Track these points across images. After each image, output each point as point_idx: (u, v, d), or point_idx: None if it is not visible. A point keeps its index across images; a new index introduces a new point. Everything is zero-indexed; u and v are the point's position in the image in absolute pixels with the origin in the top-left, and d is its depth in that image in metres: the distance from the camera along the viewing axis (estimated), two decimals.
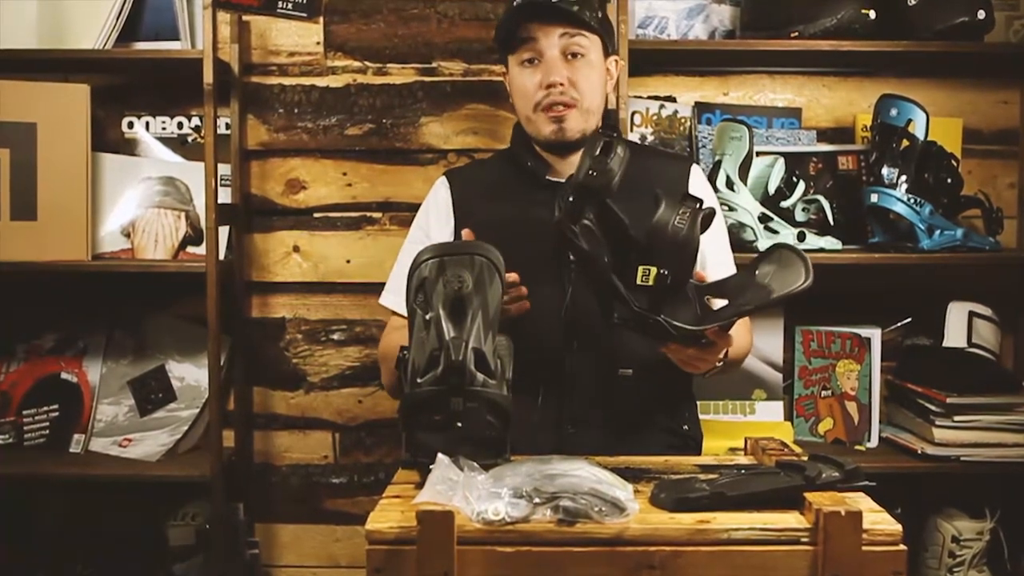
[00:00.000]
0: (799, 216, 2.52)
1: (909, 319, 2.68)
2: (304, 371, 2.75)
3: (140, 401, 2.66)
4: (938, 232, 2.45)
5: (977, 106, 2.72)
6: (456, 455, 1.40)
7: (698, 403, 2.16)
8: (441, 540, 1.28)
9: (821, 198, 2.53)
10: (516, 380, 1.56)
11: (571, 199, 1.64)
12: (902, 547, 1.32)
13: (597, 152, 1.63)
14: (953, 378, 2.44)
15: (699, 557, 1.31)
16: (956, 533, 2.48)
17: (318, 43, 2.71)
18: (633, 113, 2.65)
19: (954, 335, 2.56)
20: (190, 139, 2.70)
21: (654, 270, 1.59)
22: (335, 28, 2.70)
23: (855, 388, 2.55)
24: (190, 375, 2.68)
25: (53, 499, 2.66)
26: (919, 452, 2.43)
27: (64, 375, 2.66)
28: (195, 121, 2.70)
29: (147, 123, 2.71)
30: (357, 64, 2.71)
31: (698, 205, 1.62)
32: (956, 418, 2.41)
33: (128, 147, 2.70)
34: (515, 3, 1.99)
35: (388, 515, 1.36)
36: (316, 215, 2.73)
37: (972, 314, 2.57)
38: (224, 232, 2.61)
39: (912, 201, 2.43)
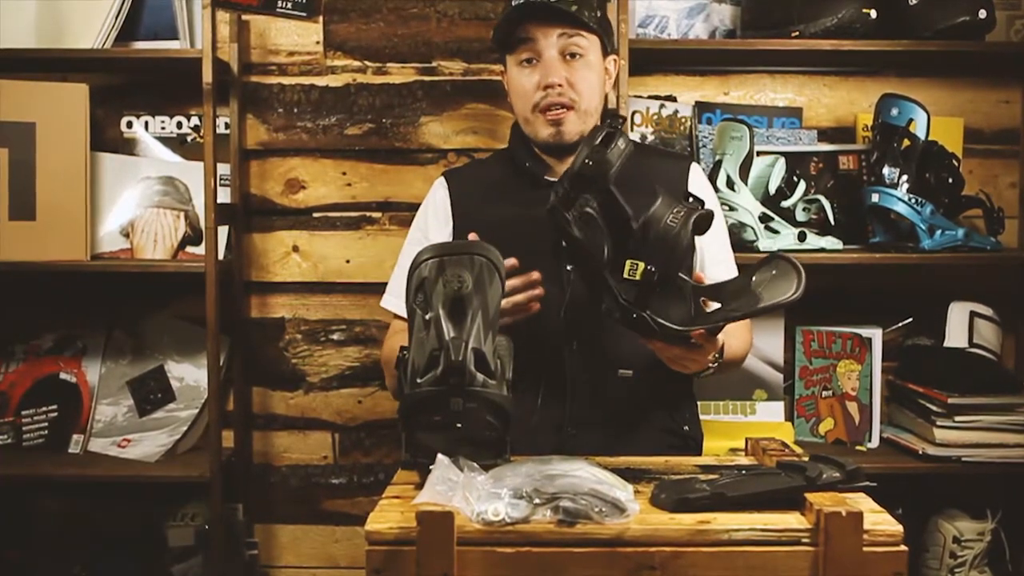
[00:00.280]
0: (800, 216, 2.52)
1: (910, 319, 2.67)
2: (303, 371, 2.75)
3: (139, 401, 2.66)
4: (939, 232, 2.45)
5: (978, 106, 2.71)
6: (456, 455, 1.39)
7: (698, 403, 2.16)
8: (441, 541, 1.27)
9: (822, 198, 2.52)
10: (516, 380, 1.56)
11: (566, 186, 1.64)
12: (903, 548, 1.31)
13: (597, 142, 1.63)
14: (954, 378, 2.44)
15: (700, 558, 1.31)
16: (957, 534, 2.47)
17: (318, 42, 2.70)
18: (633, 112, 2.64)
19: (955, 335, 2.56)
20: (189, 139, 2.69)
21: (642, 265, 1.59)
22: (335, 27, 2.70)
23: (856, 388, 2.54)
24: (189, 375, 2.68)
25: (52, 500, 2.65)
26: (920, 452, 2.43)
27: (63, 375, 2.66)
28: (194, 121, 2.69)
29: (146, 123, 2.70)
30: (357, 63, 2.70)
31: (697, 206, 1.62)
32: (957, 418, 2.41)
33: (127, 147, 2.70)
34: (513, 3, 1.99)
35: (388, 516, 1.36)
36: (315, 215, 2.73)
37: (973, 314, 2.57)
38: (223, 232, 2.60)
39: (913, 201, 2.43)
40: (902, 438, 2.52)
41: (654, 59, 2.64)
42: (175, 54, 2.56)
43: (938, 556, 2.49)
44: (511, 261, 1.79)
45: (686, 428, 2.05)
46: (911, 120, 2.43)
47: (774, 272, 1.63)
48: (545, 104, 1.98)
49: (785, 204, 2.50)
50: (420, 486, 1.39)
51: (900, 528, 1.32)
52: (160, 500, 2.63)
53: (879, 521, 1.33)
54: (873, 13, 2.47)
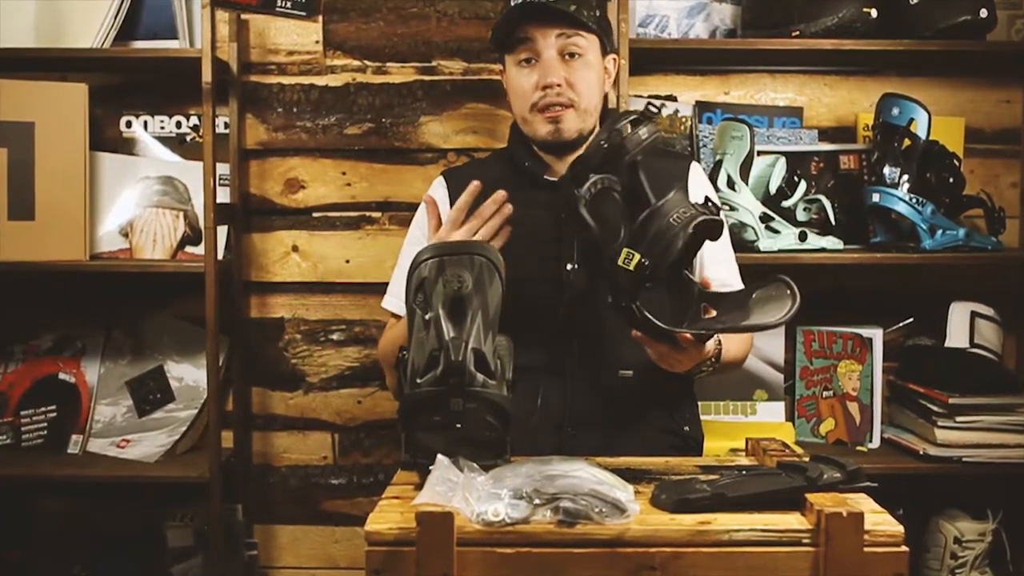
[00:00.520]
0: (800, 216, 2.52)
1: (911, 319, 2.67)
2: (303, 371, 2.74)
3: (138, 402, 2.66)
4: (940, 232, 2.45)
5: (979, 105, 2.71)
6: (456, 456, 1.39)
7: (699, 403, 2.15)
8: (441, 541, 1.27)
9: (822, 198, 2.52)
10: (516, 381, 1.56)
11: (581, 163, 1.66)
12: (904, 548, 1.31)
13: (618, 125, 1.62)
14: (955, 379, 2.44)
15: (700, 558, 1.30)
16: (958, 534, 2.47)
17: (317, 42, 2.70)
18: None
19: (956, 335, 2.55)
20: (188, 138, 2.69)
21: (637, 256, 1.59)
22: (334, 27, 2.69)
23: (857, 388, 2.54)
24: (188, 375, 2.68)
25: (51, 500, 2.64)
26: (921, 453, 2.42)
27: (62, 375, 2.65)
28: (193, 120, 2.69)
29: (145, 122, 2.70)
30: (356, 63, 2.70)
31: (706, 211, 1.61)
32: (958, 419, 2.41)
33: (126, 146, 2.69)
34: (512, 3, 1.98)
35: (387, 516, 1.35)
36: (315, 215, 2.72)
37: (974, 314, 2.56)
38: (223, 232, 2.60)
39: (914, 201, 2.42)
40: (903, 438, 2.51)
41: (654, 59, 2.64)
42: (174, 53, 2.56)
43: (939, 557, 2.48)
44: (474, 183, 1.81)
45: (686, 428, 2.04)
46: (912, 120, 2.43)
47: (773, 293, 1.64)
48: (544, 104, 1.97)
49: (786, 204, 2.49)
50: (420, 486, 1.39)
51: (901, 529, 1.31)
52: (160, 500, 2.63)
53: (880, 522, 1.32)
54: (874, 12, 2.46)
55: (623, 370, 1.95)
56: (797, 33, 2.47)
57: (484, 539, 1.30)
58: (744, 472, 1.50)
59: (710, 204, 1.65)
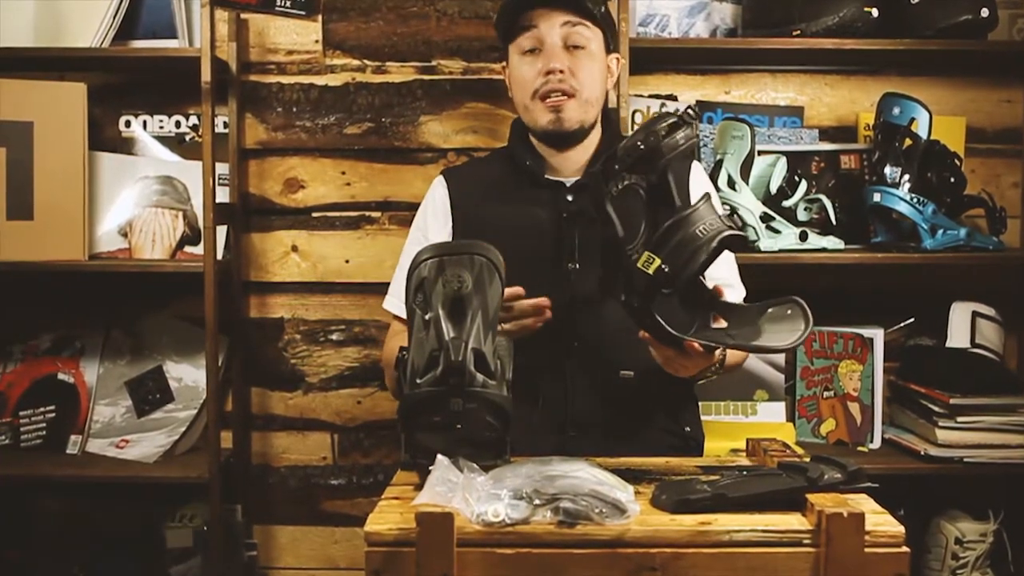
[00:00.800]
0: (801, 215, 2.51)
1: (912, 319, 2.67)
2: (303, 372, 2.74)
3: (137, 402, 2.65)
4: (941, 232, 2.44)
5: (980, 105, 2.70)
6: (456, 456, 1.39)
7: (699, 404, 2.15)
8: (440, 542, 1.27)
9: (823, 197, 2.52)
10: (517, 381, 1.55)
11: (614, 160, 1.65)
12: (905, 549, 1.30)
13: (658, 127, 1.61)
14: (956, 379, 2.43)
15: (700, 559, 1.30)
16: (959, 535, 2.46)
17: (317, 41, 2.69)
18: (634, 112, 2.64)
19: (957, 336, 2.55)
20: (188, 138, 2.68)
21: (657, 261, 1.58)
22: (334, 26, 2.69)
23: (857, 389, 2.54)
24: (188, 376, 2.67)
25: (50, 501, 2.64)
26: (922, 453, 2.42)
27: (61, 376, 2.65)
28: (193, 120, 2.68)
29: (144, 122, 2.69)
30: (356, 62, 2.69)
31: (733, 226, 1.60)
32: (959, 419, 2.40)
33: (125, 146, 2.69)
34: None
35: (387, 517, 1.35)
36: (315, 214, 2.72)
37: (975, 314, 2.56)
38: (222, 232, 2.60)
39: (915, 200, 2.42)
40: (904, 439, 2.51)
41: (655, 58, 2.63)
42: (173, 53, 2.56)
43: (940, 557, 2.48)
44: (518, 291, 1.79)
45: (687, 429, 2.04)
46: (913, 119, 2.43)
47: (788, 313, 1.62)
48: (545, 90, 1.97)
49: (786, 204, 2.49)
50: (420, 487, 1.38)
51: (902, 529, 1.31)
52: (158, 501, 2.62)
53: (881, 522, 1.32)
54: (875, 12, 2.46)
55: (624, 371, 1.95)
56: (798, 32, 2.47)
57: (484, 540, 1.29)
58: (745, 472, 1.50)
59: (735, 217, 1.65)
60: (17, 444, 2.60)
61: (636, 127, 2.61)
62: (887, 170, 2.44)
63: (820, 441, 2.59)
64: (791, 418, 2.64)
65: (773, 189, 2.49)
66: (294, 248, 2.72)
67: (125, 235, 2.62)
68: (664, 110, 2.62)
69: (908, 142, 2.43)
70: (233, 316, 2.66)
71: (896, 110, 2.44)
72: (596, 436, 1.91)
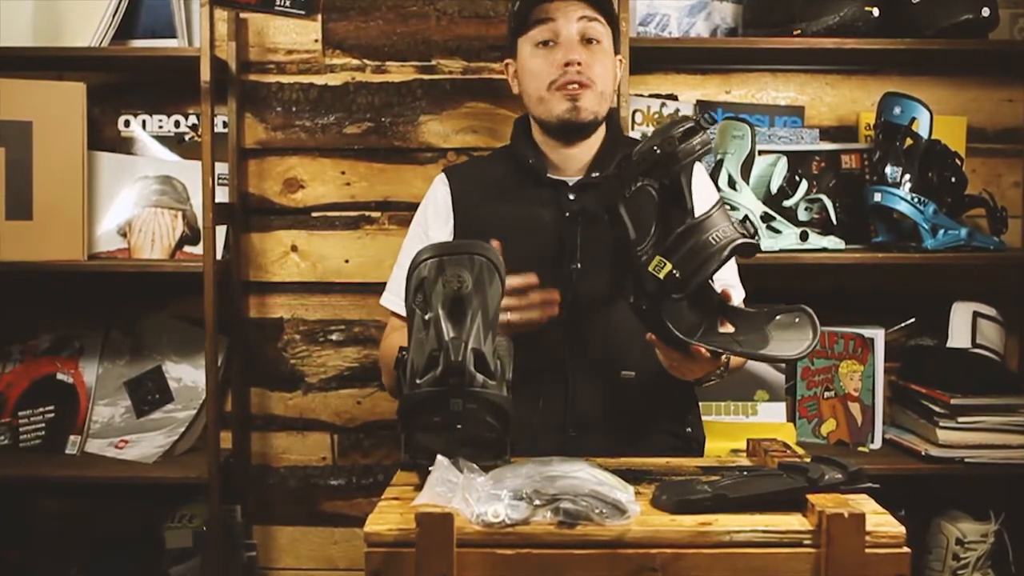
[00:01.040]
0: (802, 215, 2.51)
1: (913, 319, 2.67)
2: (302, 372, 2.74)
3: (137, 402, 2.65)
4: (942, 231, 2.44)
5: (981, 104, 2.70)
6: (455, 457, 1.38)
7: (700, 404, 2.14)
8: (440, 542, 1.26)
9: (824, 197, 2.51)
10: (517, 381, 1.55)
11: (628, 165, 1.65)
12: (906, 549, 1.30)
13: (674, 132, 1.61)
14: (957, 379, 2.43)
15: (701, 559, 1.30)
16: (960, 535, 2.46)
17: (316, 41, 2.69)
18: (634, 112, 2.63)
19: (958, 336, 2.55)
20: (187, 137, 2.68)
21: (668, 266, 1.58)
22: (333, 26, 2.69)
23: (858, 389, 2.53)
24: (187, 376, 2.67)
25: (49, 501, 2.64)
26: (923, 454, 2.41)
27: (60, 376, 2.65)
28: (192, 119, 2.68)
29: (143, 121, 2.69)
30: (356, 62, 2.69)
31: (746, 233, 1.60)
32: (960, 419, 2.40)
33: (124, 146, 2.69)
34: None
35: (387, 517, 1.35)
36: (314, 214, 2.71)
37: (976, 314, 2.55)
38: (221, 231, 2.59)
39: (916, 200, 2.42)
40: (905, 439, 2.51)
41: (655, 58, 2.63)
42: (173, 52, 2.55)
43: (941, 558, 2.48)
44: (532, 279, 1.79)
45: (688, 430, 2.04)
46: (914, 119, 2.42)
47: (796, 321, 1.63)
48: (563, 81, 1.96)
49: (787, 203, 2.49)
50: (419, 487, 1.38)
51: (903, 530, 1.30)
52: (158, 501, 2.62)
53: (881, 523, 1.32)
54: (875, 11, 2.46)
55: (625, 371, 1.94)
56: (799, 32, 2.47)
57: (484, 540, 1.29)
58: (745, 473, 1.49)
59: (748, 224, 1.64)
60: (16, 444, 2.60)
61: (636, 127, 2.61)
62: (888, 170, 2.44)
63: (821, 441, 2.59)
64: (792, 418, 2.64)
65: (774, 189, 2.48)
66: (294, 248, 2.72)
67: (124, 235, 2.62)
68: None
69: (909, 142, 2.43)
70: (232, 316, 2.66)
71: (897, 110, 2.44)
72: (597, 436, 1.91)
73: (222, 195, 2.63)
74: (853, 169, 2.63)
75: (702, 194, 1.71)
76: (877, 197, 2.44)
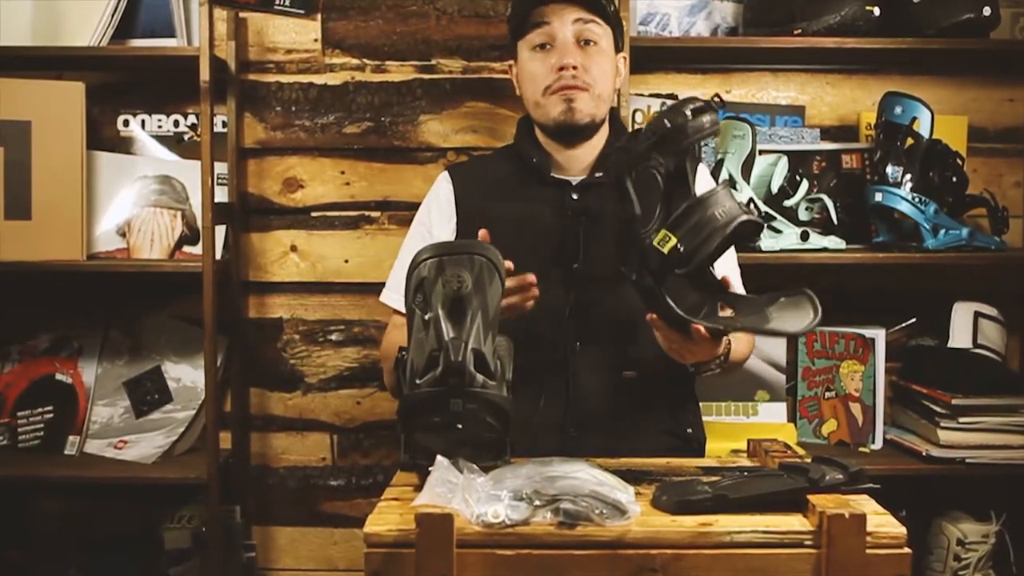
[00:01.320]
0: (803, 215, 2.50)
1: (914, 319, 2.66)
2: (302, 372, 2.73)
3: (136, 402, 2.64)
4: (943, 231, 2.44)
5: (982, 104, 2.70)
6: (455, 457, 1.38)
7: (700, 405, 2.14)
8: (440, 543, 1.26)
9: (825, 197, 2.51)
10: (518, 381, 1.54)
11: (639, 139, 1.65)
12: (907, 550, 1.30)
13: (684, 109, 1.62)
14: (958, 379, 2.43)
15: (701, 560, 1.29)
16: (961, 536, 2.46)
17: (316, 40, 2.69)
18: (635, 111, 2.63)
19: (959, 336, 2.54)
20: (186, 137, 2.68)
21: (673, 240, 1.58)
22: (333, 25, 2.68)
23: (859, 389, 2.53)
24: (186, 376, 2.66)
25: (48, 501, 2.64)
26: (924, 454, 2.41)
27: (59, 376, 2.64)
28: (191, 119, 2.68)
29: (143, 121, 2.69)
30: (355, 61, 2.69)
31: (750, 211, 1.61)
32: (961, 420, 2.40)
33: (123, 145, 2.68)
34: None
35: (386, 517, 1.34)
36: (314, 214, 2.71)
37: (977, 314, 2.55)
38: (221, 231, 2.59)
39: (917, 200, 2.41)
40: (905, 439, 2.50)
41: (655, 57, 2.62)
42: (172, 52, 2.55)
43: (942, 559, 2.47)
44: (506, 264, 1.78)
45: (689, 431, 2.03)
46: (915, 118, 2.42)
47: (795, 302, 1.64)
48: (558, 85, 1.96)
49: (788, 203, 2.48)
50: (419, 488, 1.38)
51: (904, 530, 1.30)
52: (157, 502, 2.62)
53: (882, 523, 1.32)
54: (876, 10, 2.45)
55: (626, 371, 1.94)
56: (799, 31, 2.46)
57: (484, 541, 1.29)
58: (746, 473, 1.50)
59: (752, 206, 1.65)
60: (15, 445, 2.59)
61: (636, 127, 2.61)
62: (889, 170, 2.44)
63: (821, 442, 2.59)
64: (792, 419, 2.63)
65: (774, 189, 2.48)
66: (293, 248, 2.71)
67: (123, 235, 2.61)
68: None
69: (910, 141, 2.43)
70: (232, 316, 2.65)
71: (898, 109, 2.43)
72: (597, 436, 1.90)
73: (221, 195, 2.62)
74: (854, 169, 2.62)
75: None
76: (878, 197, 2.44)
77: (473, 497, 1.31)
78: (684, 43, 2.58)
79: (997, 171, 2.71)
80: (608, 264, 1.81)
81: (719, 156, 2.46)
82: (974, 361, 2.50)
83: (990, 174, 2.70)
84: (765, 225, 2.40)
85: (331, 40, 2.69)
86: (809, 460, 1.52)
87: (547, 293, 1.84)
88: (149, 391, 2.65)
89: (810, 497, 1.34)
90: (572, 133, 2.00)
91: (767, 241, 2.40)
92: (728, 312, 1.69)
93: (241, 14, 2.65)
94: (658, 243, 1.59)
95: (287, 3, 2.66)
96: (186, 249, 2.63)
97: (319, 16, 2.68)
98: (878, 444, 2.52)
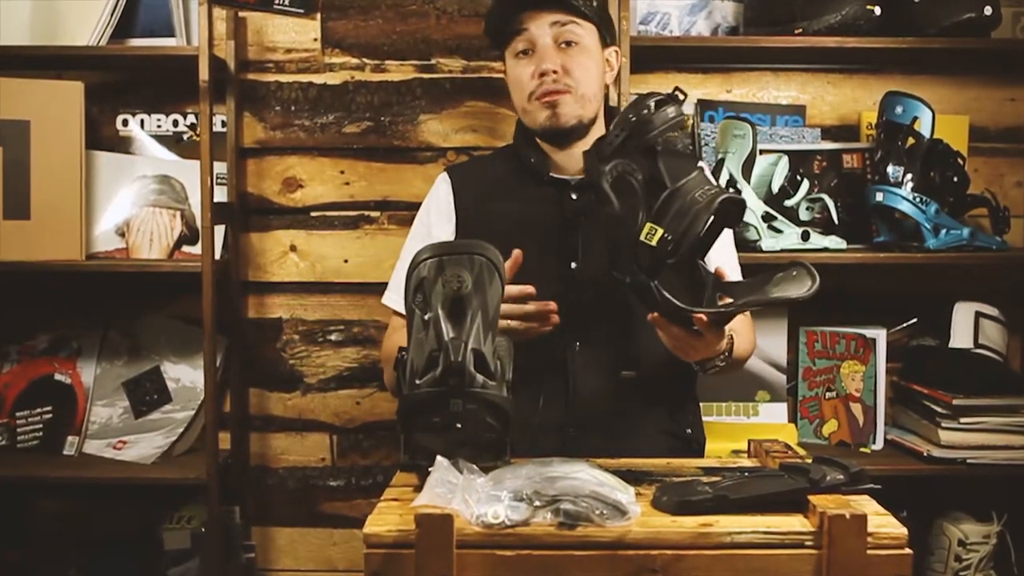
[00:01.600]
0: (803, 215, 2.50)
1: (915, 319, 2.66)
2: (301, 372, 2.73)
3: (135, 403, 2.64)
4: (944, 231, 2.44)
5: (983, 103, 2.70)
6: (455, 457, 1.38)
7: (701, 405, 2.14)
8: (440, 543, 1.26)
9: (825, 197, 2.51)
10: (518, 381, 1.54)
11: (603, 140, 1.67)
12: (907, 551, 1.29)
13: (647, 101, 1.64)
14: (959, 379, 2.43)
15: (702, 561, 1.29)
16: (962, 536, 2.45)
17: (315, 40, 2.68)
18: None
19: (960, 336, 2.54)
20: (185, 137, 2.67)
21: (660, 231, 1.59)
22: (333, 24, 2.68)
23: (860, 389, 2.53)
24: (186, 376, 2.66)
25: (47, 502, 2.63)
26: (925, 454, 2.41)
27: (58, 376, 2.64)
28: (190, 119, 2.67)
29: (142, 121, 2.68)
30: (355, 61, 2.68)
31: (728, 190, 1.62)
32: (962, 420, 2.40)
33: (123, 145, 2.68)
34: None
35: (386, 518, 1.34)
36: (313, 214, 2.71)
37: (979, 314, 2.54)
38: (220, 231, 2.58)
39: (918, 200, 2.41)
40: (906, 440, 2.50)
41: (656, 56, 2.62)
42: (171, 51, 2.55)
43: (943, 559, 2.47)
44: (515, 254, 1.78)
45: (689, 431, 2.03)
46: (916, 118, 2.42)
47: (794, 274, 1.65)
48: (540, 92, 1.96)
49: (788, 203, 2.48)
50: (419, 488, 1.37)
51: (904, 531, 1.30)
52: (156, 502, 2.61)
53: (883, 524, 1.31)
54: (877, 10, 2.45)
55: (626, 371, 1.94)
56: (800, 31, 2.46)
57: (484, 541, 1.28)
58: (746, 474, 1.49)
59: (733, 190, 1.66)
60: (14, 445, 2.59)
61: None
62: (890, 169, 2.43)
63: (822, 442, 2.58)
64: (793, 419, 2.63)
65: (775, 188, 2.48)
66: (292, 248, 2.71)
67: (122, 235, 2.61)
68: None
69: (911, 141, 2.43)
70: (231, 316, 2.65)
71: (899, 109, 2.43)
72: (597, 437, 1.90)
73: (221, 195, 2.62)
74: (855, 168, 2.62)
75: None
76: (879, 197, 2.43)
77: (473, 497, 1.31)
78: (684, 42, 2.58)
79: (998, 171, 2.71)
80: (607, 263, 1.81)
81: (720, 156, 2.46)
82: (975, 361, 2.50)
83: (991, 174, 2.70)
84: (763, 230, 2.41)
85: (331, 39, 2.68)
86: (810, 460, 1.51)
87: (546, 293, 1.84)
88: (148, 391, 2.65)
89: (811, 498, 1.34)
90: (561, 136, 2.00)
91: (768, 241, 2.39)
92: (727, 301, 1.69)
93: (240, 13, 2.64)
94: (645, 237, 1.60)
95: (286, 2, 2.65)
96: (185, 249, 2.62)
97: (319, 15, 2.68)
98: (879, 444, 2.52)
